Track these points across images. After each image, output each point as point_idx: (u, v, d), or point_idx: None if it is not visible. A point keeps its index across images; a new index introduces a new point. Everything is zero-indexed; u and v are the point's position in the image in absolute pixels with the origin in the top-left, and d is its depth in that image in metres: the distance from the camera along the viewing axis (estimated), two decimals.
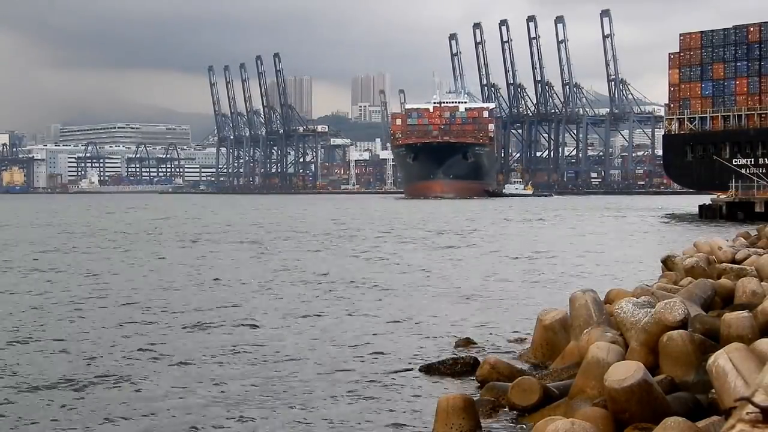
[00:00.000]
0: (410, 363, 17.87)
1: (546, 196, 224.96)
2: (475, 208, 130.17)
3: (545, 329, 17.47)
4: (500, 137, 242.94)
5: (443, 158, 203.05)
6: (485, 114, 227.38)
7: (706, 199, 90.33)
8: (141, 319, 24.17)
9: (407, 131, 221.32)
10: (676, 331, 13.06)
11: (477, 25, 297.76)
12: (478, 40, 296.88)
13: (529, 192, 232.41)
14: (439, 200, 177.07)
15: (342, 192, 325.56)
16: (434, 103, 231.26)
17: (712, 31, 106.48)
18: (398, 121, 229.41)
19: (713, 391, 10.18)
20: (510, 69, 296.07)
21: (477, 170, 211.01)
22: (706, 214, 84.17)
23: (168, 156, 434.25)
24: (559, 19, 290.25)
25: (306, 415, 14.15)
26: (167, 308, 26.19)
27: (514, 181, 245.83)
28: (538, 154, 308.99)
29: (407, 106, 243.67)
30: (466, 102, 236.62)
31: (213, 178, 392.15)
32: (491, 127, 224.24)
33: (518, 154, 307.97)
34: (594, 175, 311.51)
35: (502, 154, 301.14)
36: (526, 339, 19.76)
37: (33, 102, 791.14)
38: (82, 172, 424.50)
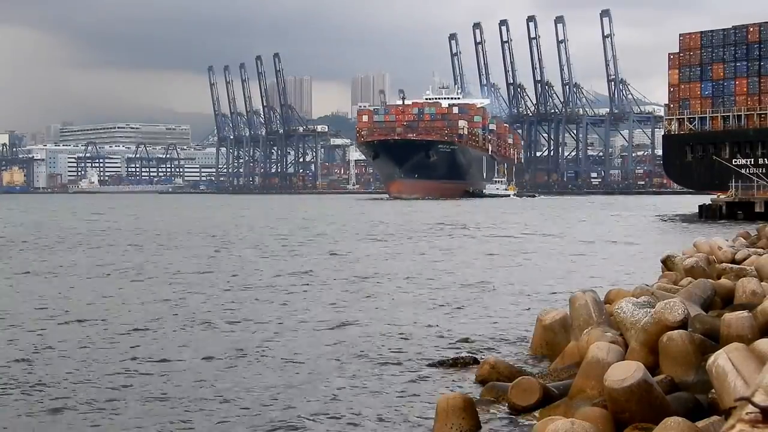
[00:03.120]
0: (410, 363, 17.86)
1: (531, 196, 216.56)
2: (412, 211, 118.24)
3: (545, 329, 17.48)
4: (483, 135, 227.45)
5: (404, 157, 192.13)
6: (455, 111, 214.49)
7: (706, 199, 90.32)
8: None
9: (373, 128, 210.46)
10: (676, 331, 13.05)
11: (477, 25, 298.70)
12: (478, 40, 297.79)
13: (512, 192, 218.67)
14: (396, 201, 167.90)
15: (342, 192, 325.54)
16: (427, 99, 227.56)
17: (711, 31, 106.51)
18: (365, 118, 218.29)
19: (713, 391, 10.18)
20: (510, 69, 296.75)
21: (454, 169, 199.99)
22: (706, 214, 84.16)
23: (168, 156, 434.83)
24: (559, 20, 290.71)
25: (305, 415, 14.14)
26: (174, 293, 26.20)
27: (496, 181, 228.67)
28: (538, 154, 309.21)
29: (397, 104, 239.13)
30: (459, 98, 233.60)
31: (213, 178, 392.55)
32: (462, 123, 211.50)
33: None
34: (594, 175, 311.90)
35: (524, 153, 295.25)
36: (526, 339, 19.76)
37: (33, 102, 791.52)
38: (82, 172, 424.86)
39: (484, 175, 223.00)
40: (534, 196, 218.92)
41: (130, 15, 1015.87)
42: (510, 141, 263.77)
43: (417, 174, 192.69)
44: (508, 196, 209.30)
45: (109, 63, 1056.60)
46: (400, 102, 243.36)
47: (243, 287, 31.77)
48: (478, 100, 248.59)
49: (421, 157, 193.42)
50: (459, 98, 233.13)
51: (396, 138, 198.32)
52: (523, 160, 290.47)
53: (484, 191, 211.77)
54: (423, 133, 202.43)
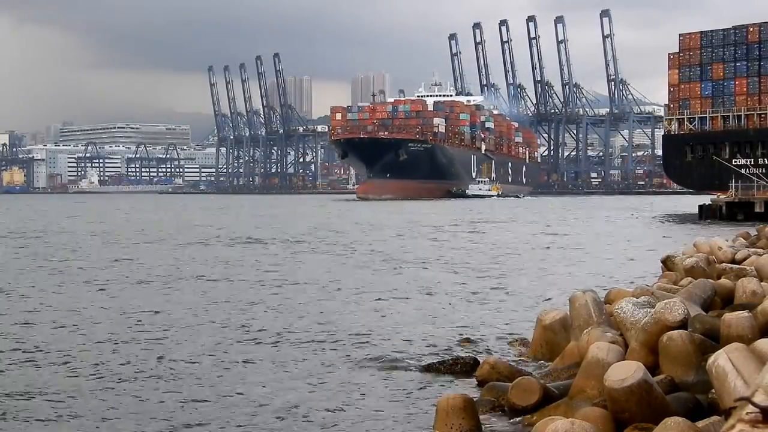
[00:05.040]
0: (410, 363, 17.85)
1: (516, 197, 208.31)
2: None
3: (545, 329, 17.46)
4: (472, 133, 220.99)
5: (374, 156, 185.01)
6: (430, 108, 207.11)
7: (706, 199, 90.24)
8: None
9: (347, 126, 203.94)
10: (676, 331, 13.05)
11: (477, 25, 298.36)
12: (478, 40, 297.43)
13: (495, 193, 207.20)
14: (359, 203, 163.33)
15: (342, 192, 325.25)
16: (419, 95, 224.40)
17: (711, 31, 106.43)
18: (338, 116, 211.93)
19: (713, 391, 10.17)
20: (510, 69, 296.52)
21: (433, 169, 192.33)
22: (706, 214, 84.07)
23: (168, 156, 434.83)
24: (559, 20, 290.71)
25: (305, 415, 14.14)
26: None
27: (479, 181, 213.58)
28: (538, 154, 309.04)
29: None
30: (451, 96, 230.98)
31: (213, 178, 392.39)
32: (437, 121, 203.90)
33: None
34: (594, 175, 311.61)
35: (536, 153, 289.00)
36: (526, 339, 19.75)
37: (33, 102, 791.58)
38: (82, 172, 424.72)
39: (474, 174, 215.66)
40: (518, 197, 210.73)
41: (130, 15, 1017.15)
42: (519, 140, 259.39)
43: (389, 174, 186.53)
44: (491, 197, 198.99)
45: (109, 63, 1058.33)
46: (391, 100, 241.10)
47: (237, 285, 31.79)
48: (471, 97, 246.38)
49: (391, 156, 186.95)
50: (451, 95, 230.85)
51: (363, 136, 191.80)
52: (539, 159, 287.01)
53: (467, 192, 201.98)
54: (395, 132, 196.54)
